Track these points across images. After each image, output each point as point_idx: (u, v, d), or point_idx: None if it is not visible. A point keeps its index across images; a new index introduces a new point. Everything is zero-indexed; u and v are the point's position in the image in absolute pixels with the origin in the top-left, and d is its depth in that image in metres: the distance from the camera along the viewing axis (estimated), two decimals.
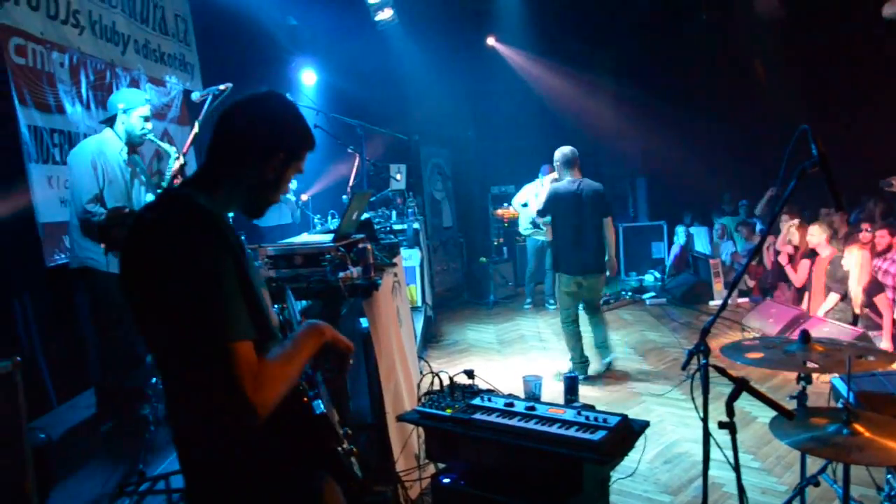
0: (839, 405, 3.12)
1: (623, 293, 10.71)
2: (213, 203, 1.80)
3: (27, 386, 5.09)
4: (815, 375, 2.98)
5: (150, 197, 4.97)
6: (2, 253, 5.10)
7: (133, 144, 4.86)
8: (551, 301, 10.15)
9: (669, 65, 11.90)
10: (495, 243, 12.37)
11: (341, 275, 3.77)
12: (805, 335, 2.87)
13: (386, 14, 9.39)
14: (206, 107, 4.52)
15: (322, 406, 1.88)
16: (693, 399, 2.54)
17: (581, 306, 6.95)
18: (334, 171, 9.12)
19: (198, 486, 1.84)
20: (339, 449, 1.87)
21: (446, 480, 3.19)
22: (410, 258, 8.24)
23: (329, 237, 4.21)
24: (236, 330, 1.60)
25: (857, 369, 2.68)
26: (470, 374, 3.51)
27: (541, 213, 7.25)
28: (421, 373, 5.75)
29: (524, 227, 10.28)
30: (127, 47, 7.00)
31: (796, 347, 2.86)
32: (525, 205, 10.03)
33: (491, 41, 12.26)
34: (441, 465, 3.38)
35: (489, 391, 3.48)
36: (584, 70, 12.32)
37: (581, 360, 6.79)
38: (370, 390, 4.05)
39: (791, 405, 2.90)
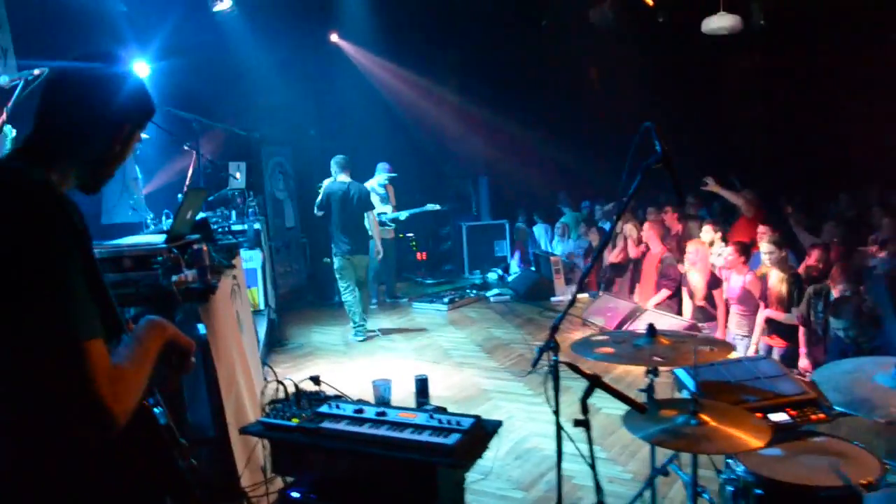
0: (683, 395, 3.23)
1: (468, 291, 10.81)
2: (52, 180, 1.58)
3: None
4: (662, 367, 3.04)
5: None
6: None
7: None
8: (397, 296, 10.53)
9: (511, 67, 12.17)
10: None
11: (175, 278, 3.50)
12: (651, 329, 2.94)
13: (224, 4, 8.95)
14: (16, 93, 4.06)
15: (164, 416, 1.69)
16: (546, 396, 2.52)
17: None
18: (169, 168, 8.59)
19: None
20: (181, 463, 1.68)
21: (295, 494, 3.01)
22: (251, 260, 7.89)
23: (161, 238, 3.91)
24: (88, 327, 1.40)
25: (701, 360, 2.76)
26: (316, 380, 3.35)
27: (318, 207, 8.72)
28: (265, 380, 5.50)
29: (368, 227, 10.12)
30: None
31: (644, 341, 2.92)
32: None
33: (334, 38, 12.02)
34: (289, 479, 3.20)
35: (337, 397, 3.33)
36: (428, 71, 12.34)
37: (361, 322, 8.45)
38: (210, 401, 3.79)
39: (641, 398, 2.95)
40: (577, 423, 2.42)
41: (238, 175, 8.51)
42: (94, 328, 1.42)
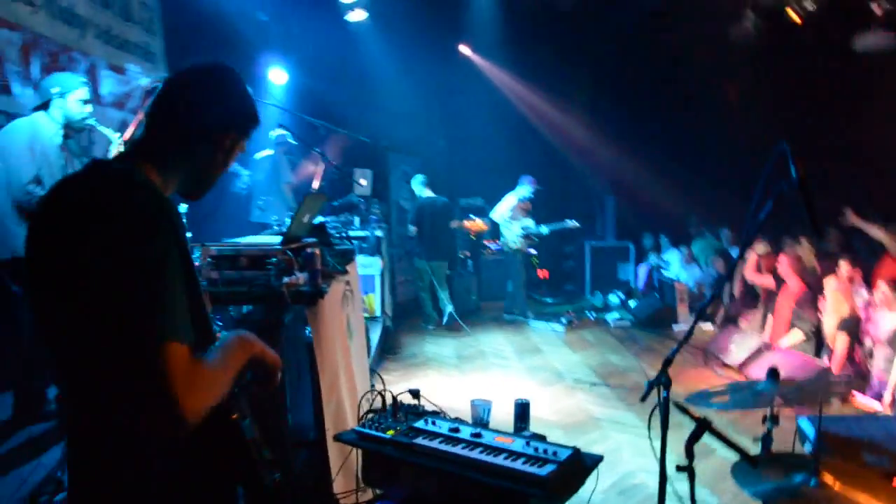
0: (805, 448, 2.95)
1: (587, 313, 10.54)
2: (157, 183, 1.63)
3: None
4: (782, 416, 2.75)
5: None
6: None
7: (72, 129, 4.61)
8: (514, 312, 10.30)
9: (642, 84, 11.80)
10: (461, 256, 12.20)
11: (286, 280, 3.53)
12: (774, 373, 2.67)
13: (358, 15, 9.17)
14: (154, 95, 4.24)
15: (251, 430, 1.67)
16: (650, 433, 2.35)
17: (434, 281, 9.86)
18: (299, 173, 8.90)
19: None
20: (267, 479, 1.67)
21: None
22: (371, 266, 8.00)
23: (278, 240, 3.97)
24: (175, 330, 1.42)
25: (829, 411, 2.49)
26: (415, 393, 3.29)
27: (415, 223, 9.77)
28: (372, 387, 5.51)
29: (512, 239, 10.17)
30: (86, 31, 6.69)
31: (764, 387, 2.66)
32: (511, 219, 10.04)
33: (464, 50, 12.08)
34: (378, 491, 3.16)
35: (435, 413, 3.26)
36: (557, 86, 12.17)
37: (432, 311, 9.95)
38: (314, 404, 3.81)
39: (756, 448, 2.72)
40: (680, 468, 2.23)
41: (363, 181, 8.65)
42: (180, 330, 1.43)
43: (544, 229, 10.28)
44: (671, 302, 10.04)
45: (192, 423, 1.40)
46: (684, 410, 2.26)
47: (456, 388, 6.87)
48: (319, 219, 4.77)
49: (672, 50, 11.24)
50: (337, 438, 3.14)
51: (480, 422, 3.24)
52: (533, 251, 11.09)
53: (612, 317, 10.31)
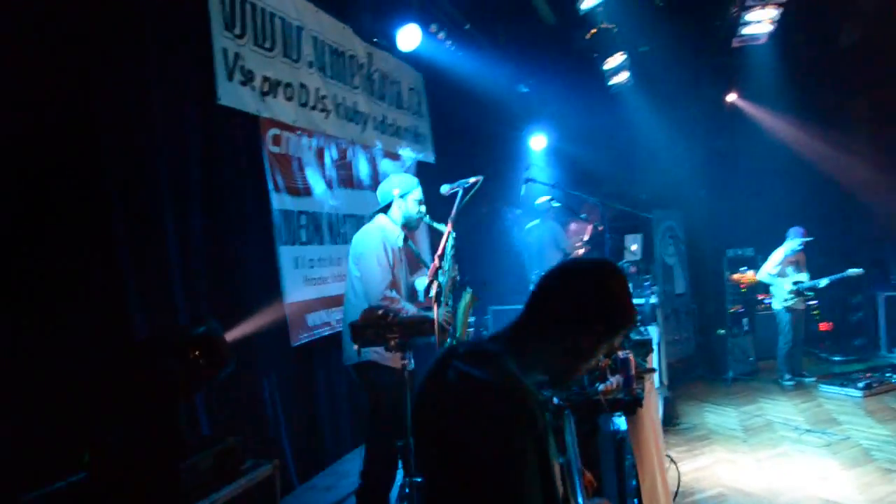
0: None
1: (888, 374, 9.39)
2: (522, 366, 1.71)
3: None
4: None
5: (418, 282, 4.72)
6: (254, 332, 5.25)
7: (410, 228, 4.70)
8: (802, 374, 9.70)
9: None
10: (731, 311, 11.47)
11: (601, 387, 3.42)
12: None
13: (621, 77, 9.07)
14: (458, 201, 4.25)
15: None
16: None
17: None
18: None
19: None
20: None
21: None
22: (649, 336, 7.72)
23: None
24: None
25: None
26: None
27: None
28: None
29: (783, 298, 9.63)
30: (366, 125, 7.19)
31: None
32: (779, 276, 9.47)
33: (732, 97, 11.52)
34: None
35: None
36: (836, 121, 11.20)
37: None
38: (619, 492, 3.65)
39: None
40: None
41: (634, 247, 8.45)
42: None
43: (822, 282, 9.47)
44: None
45: None
46: None
47: (745, 466, 6.34)
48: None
49: None
50: None
51: None
52: (812, 302, 10.20)
53: None
